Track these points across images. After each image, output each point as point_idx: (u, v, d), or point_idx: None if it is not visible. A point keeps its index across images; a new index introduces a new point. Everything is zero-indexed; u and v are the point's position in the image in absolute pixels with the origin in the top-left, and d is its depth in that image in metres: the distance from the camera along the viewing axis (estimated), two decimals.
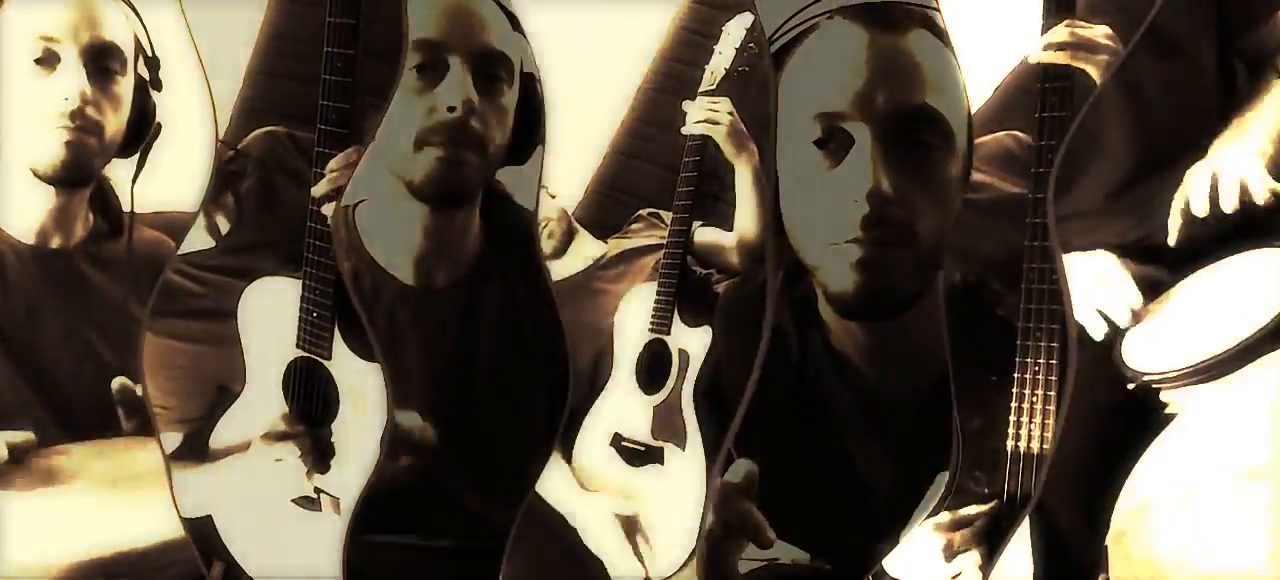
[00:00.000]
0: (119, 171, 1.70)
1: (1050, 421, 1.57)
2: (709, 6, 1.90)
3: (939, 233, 1.51)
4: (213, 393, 1.70)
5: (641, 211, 1.97)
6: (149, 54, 1.65)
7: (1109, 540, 1.49)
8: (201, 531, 1.70)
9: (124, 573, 1.64)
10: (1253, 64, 1.67)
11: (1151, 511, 1.46)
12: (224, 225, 1.69)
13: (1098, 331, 1.62)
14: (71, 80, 1.59)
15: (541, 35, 1.70)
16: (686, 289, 1.83)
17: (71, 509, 1.62)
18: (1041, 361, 1.57)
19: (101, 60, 1.61)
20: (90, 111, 1.60)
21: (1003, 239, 1.62)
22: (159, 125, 1.66)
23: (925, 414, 1.62)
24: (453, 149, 1.64)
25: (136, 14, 1.64)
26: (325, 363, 1.64)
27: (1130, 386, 1.57)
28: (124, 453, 1.68)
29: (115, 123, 1.64)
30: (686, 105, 1.82)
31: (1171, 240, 1.59)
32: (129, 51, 1.64)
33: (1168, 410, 1.54)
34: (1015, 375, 1.59)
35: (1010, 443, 1.60)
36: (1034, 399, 1.58)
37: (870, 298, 1.49)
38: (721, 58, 1.81)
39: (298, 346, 1.65)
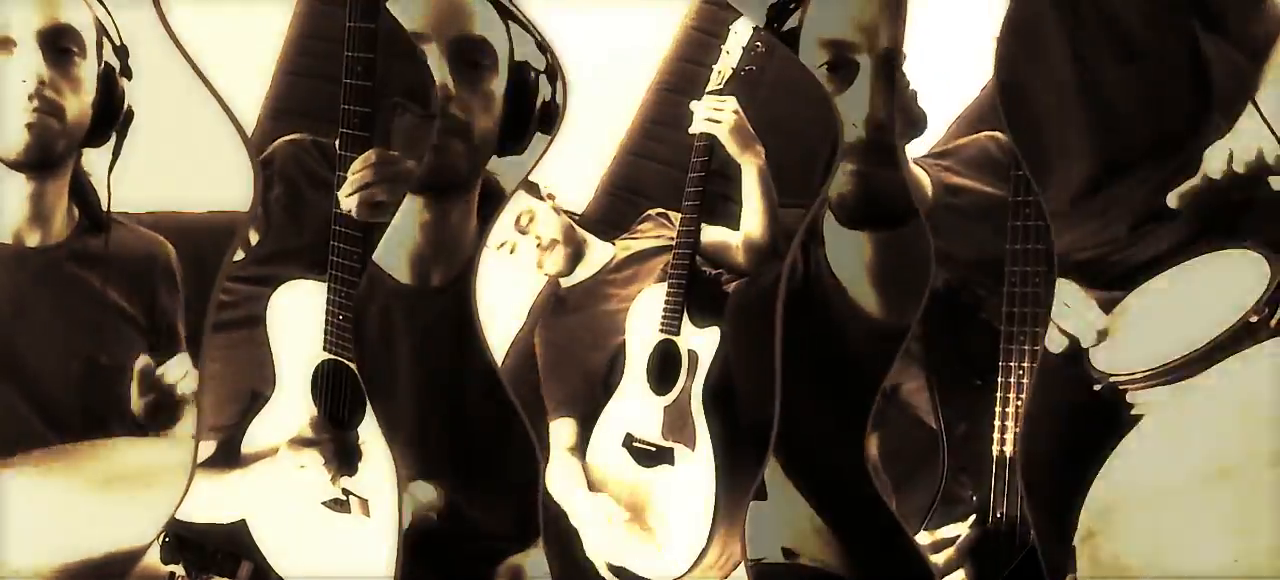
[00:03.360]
0: (96, 164, 1.68)
1: None
2: (717, 6, 1.90)
3: None
4: (246, 398, 1.71)
5: (650, 211, 1.98)
6: (116, 42, 1.64)
7: (1077, 540, 1.49)
8: (235, 534, 1.71)
9: (115, 573, 1.63)
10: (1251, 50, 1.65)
11: (1119, 511, 1.46)
12: (253, 237, 1.70)
13: (1058, 345, 1.63)
14: (28, 62, 1.58)
15: (548, 36, 1.71)
16: (696, 289, 1.84)
17: (62, 509, 1.61)
18: (1025, 365, 1.59)
19: (58, 41, 1.60)
20: (49, 93, 1.59)
21: (984, 242, 1.64)
22: (130, 111, 1.65)
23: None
24: (438, 135, 1.65)
25: (101, 2, 1.63)
26: (351, 365, 1.65)
27: (1096, 388, 1.57)
28: (114, 453, 1.67)
29: (77, 104, 1.62)
30: (693, 105, 1.83)
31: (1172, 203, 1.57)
32: (88, 36, 1.63)
33: (1134, 411, 1.54)
34: (998, 379, 1.61)
35: (995, 447, 1.62)
36: (1018, 403, 1.60)
37: (867, 206, 1.65)
38: (728, 57, 1.81)
39: (325, 349, 1.66)
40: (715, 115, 1.80)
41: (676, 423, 1.84)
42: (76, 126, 1.63)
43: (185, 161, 1.65)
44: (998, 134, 1.72)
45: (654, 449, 1.86)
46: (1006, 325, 1.60)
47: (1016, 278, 1.59)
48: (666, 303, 1.85)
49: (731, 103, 1.80)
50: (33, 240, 1.65)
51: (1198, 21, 1.64)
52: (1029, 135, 1.62)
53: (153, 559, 1.69)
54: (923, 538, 1.68)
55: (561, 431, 1.93)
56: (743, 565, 1.78)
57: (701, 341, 1.83)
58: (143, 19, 1.59)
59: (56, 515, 1.61)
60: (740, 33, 1.81)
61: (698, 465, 1.82)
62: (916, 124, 1.65)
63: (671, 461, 1.85)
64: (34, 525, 1.59)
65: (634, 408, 1.89)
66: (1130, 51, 1.64)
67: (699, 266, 1.86)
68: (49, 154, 1.62)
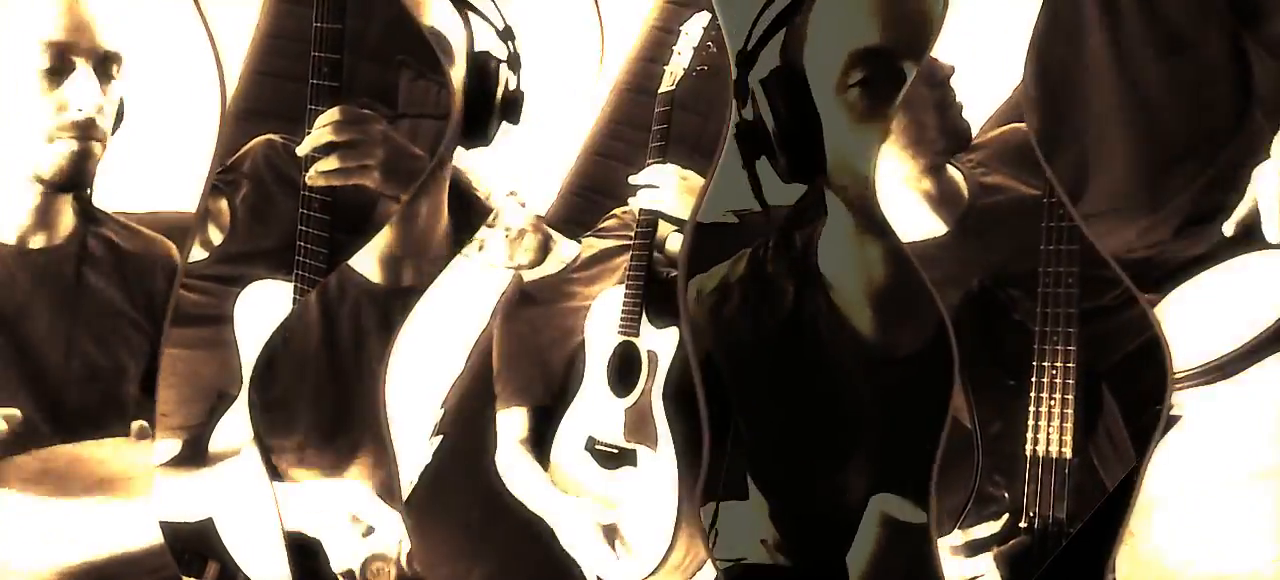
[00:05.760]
0: None
1: (1068, 426, 1.57)
2: (677, 5, 1.88)
3: None
4: (212, 398, 1.71)
5: (616, 211, 1.96)
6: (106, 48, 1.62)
7: None
8: (202, 534, 1.71)
9: (114, 576, 1.64)
10: None
11: (1157, 512, 1.46)
12: (217, 236, 1.69)
13: None
14: (84, 90, 1.56)
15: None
16: (655, 290, 1.83)
17: (61, 512, 1.61)
18: (1058, 365, 1.58)
19: (107, 67, 1.58)
20: (99, 120, 1.57)
21: (1019, 242, 1.62)
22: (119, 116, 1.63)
23: (922, 369, 1.66)
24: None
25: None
26: None
27: None
28: (114, 454, 1.67)
29: (108, 126, 1.61)
30: (631, 179, 1.83)
31: (1228, 231, 1.55)
32: (126, 59, 1.60)
33: (1172, 412, 1.53)
34: (1032, 380, 1.60)
35: (1028, 448, 1.61)
36: (1052, 403, 1.59)
37: None
38: (680, 58, 1.79)
39: None
40: (652, 193, 1.80)
41: (638, 424, 1.84)
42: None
43: (175, 162, 1.64)
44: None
45: (616, 451, 1.85)
46: (1040, 326, 1.59)
47: (1050, 278, 1.58)
48: (625, 303, 1.85)
49: (672, 173, 1.79)
50: (37, 242, 1.64)
51: (1238, 19, 1.61)
52: (1065, 136, 1.61)
53: (160, 561, 1.69)
54: (956, 537, 1.67)
55: (512, 422, 1.92)
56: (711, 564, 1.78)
57: (661, 342, 1.82)
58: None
59: (55, 517, 1.61)
60: (691, 32, 1.79)
61: (660, 466, 1.82)
62: (960, 138, 1.62)
63: (634, 463, 1.84)
64: (32, 527, 1.59)
65: (595, 410, 1.88)
66: (1169, 46, 1.61)
67: (657, 267, 1.85)
68: (86, 176, 1.61)
